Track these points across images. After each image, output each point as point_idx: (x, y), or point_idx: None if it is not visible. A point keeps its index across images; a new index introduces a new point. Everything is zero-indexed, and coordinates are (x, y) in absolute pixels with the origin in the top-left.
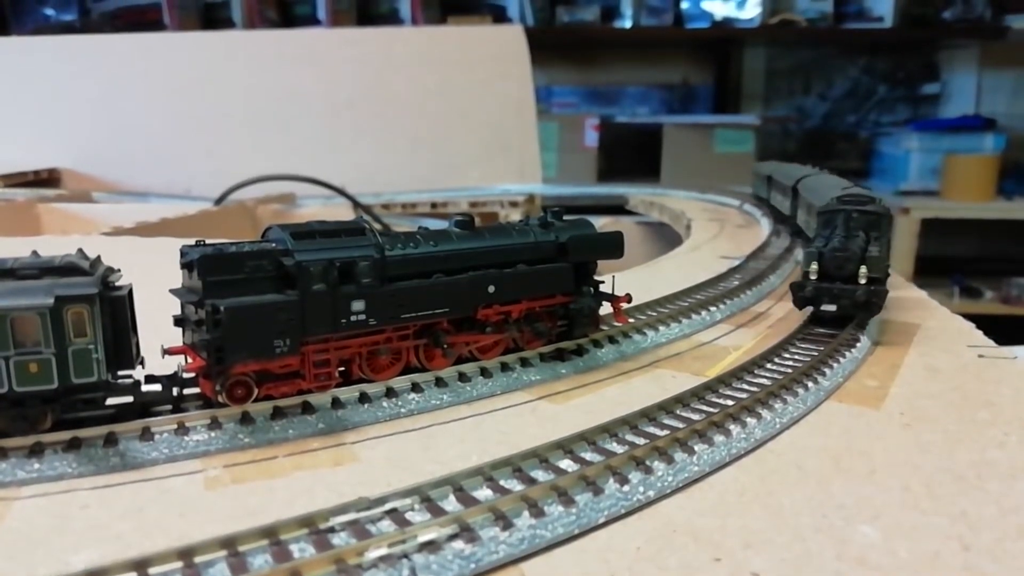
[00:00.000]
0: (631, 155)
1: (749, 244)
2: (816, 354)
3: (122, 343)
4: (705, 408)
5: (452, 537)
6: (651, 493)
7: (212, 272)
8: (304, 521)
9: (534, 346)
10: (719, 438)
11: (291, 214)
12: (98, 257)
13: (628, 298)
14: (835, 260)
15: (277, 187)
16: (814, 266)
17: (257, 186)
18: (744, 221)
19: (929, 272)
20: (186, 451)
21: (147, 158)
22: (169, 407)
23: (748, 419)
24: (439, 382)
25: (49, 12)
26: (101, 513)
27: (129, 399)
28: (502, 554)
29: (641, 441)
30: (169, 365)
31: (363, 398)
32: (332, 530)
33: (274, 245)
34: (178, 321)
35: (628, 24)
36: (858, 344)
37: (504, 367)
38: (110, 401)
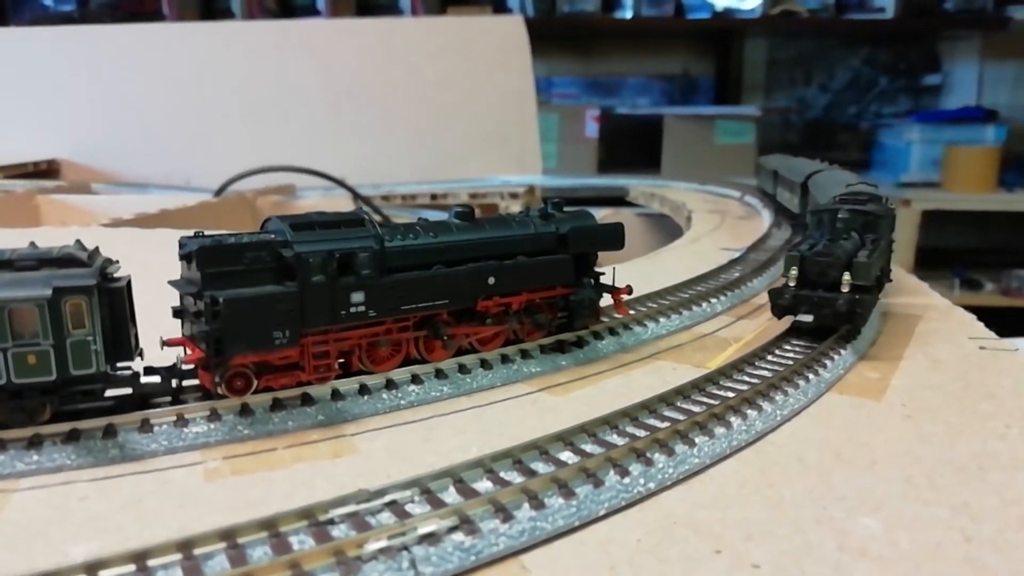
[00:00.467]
0: (631, 146)
1: (750, 236)
2: (817, 346)
3: (121, 335)
4: (706, 400)
5: (452, 529)
6: (652, 485)
7: (211, 263)
8: (304, 513)
9: (534, 338)
10: (720, 430)
11: (291, 205)
12: (96, 248)
13: (629, 289)
14: (816, 265)
15: (276, 178)
16: (794, 271)
17: (256, 177)
18: (745, 212)
19: (930, 264)
20: (185, 443)
21: (146, 149)
22: (168, 399)
23: (749, 411)
24: (439, 374)
25: (48, 2)
26: (100, 505)
27: (128, 391)
28: (502, 546)
29: (642, 433)
30: (168, 357)
31: (363, 390)
32: (332, 522)
33: (273, 236)
34: (177, 312)
35: (629, 14)
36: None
37: (504, 359)
38: (109, 393)
